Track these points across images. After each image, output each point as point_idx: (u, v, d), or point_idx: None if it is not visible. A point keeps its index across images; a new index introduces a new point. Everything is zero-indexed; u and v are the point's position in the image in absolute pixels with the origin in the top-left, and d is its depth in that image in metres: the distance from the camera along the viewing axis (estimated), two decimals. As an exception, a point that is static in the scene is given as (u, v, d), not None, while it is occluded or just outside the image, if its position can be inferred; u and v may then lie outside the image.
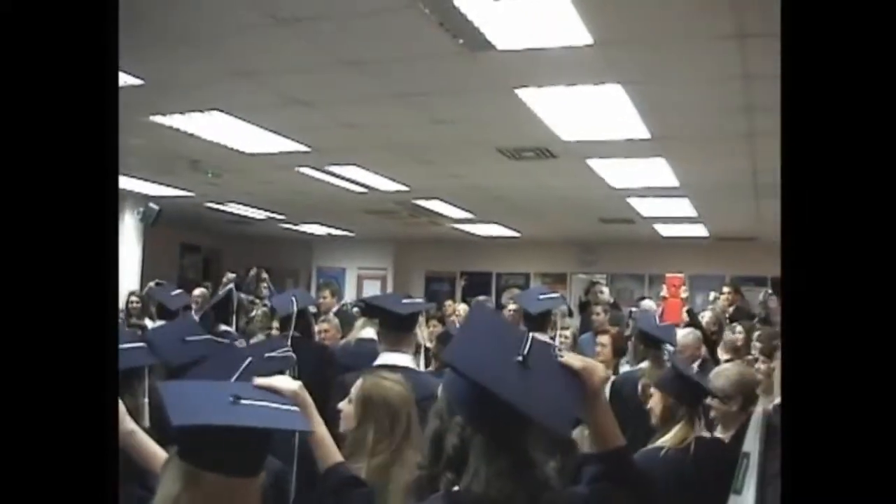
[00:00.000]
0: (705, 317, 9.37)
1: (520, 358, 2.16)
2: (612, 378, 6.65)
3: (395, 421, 3.54)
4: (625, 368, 7.21)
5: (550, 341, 6.59)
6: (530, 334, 2.32)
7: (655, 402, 4.44)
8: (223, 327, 8.08)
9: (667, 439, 4.25)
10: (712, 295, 11.51)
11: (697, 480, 4.06)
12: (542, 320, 6.27)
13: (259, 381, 2.43)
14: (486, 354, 2.18)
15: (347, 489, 2.65)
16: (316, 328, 7.92)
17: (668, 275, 9.06)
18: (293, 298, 7.49)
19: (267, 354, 4.74)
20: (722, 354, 7.61)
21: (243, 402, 2.15)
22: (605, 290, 12.42)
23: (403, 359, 4.65)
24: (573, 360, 2.30)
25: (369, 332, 6.53)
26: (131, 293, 11.45)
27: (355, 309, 9.59)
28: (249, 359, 3.74)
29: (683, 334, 7.42)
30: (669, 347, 6.89)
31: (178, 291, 9.14)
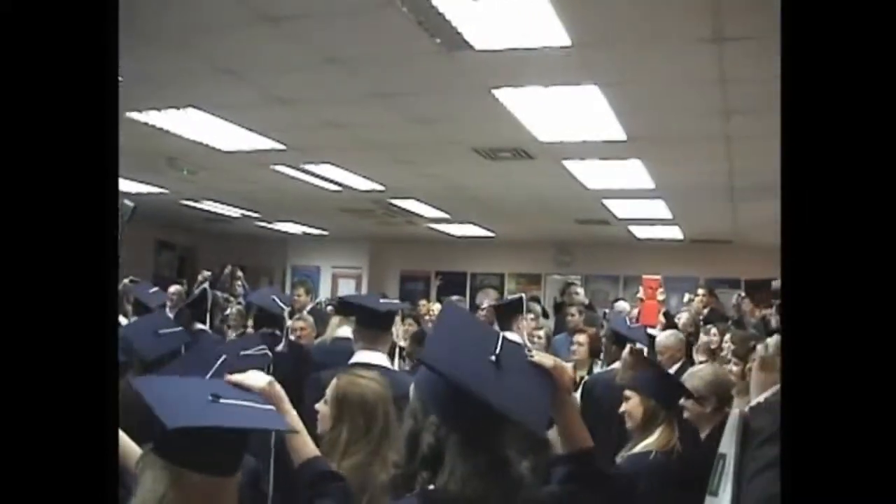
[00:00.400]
0: (681, 319, 9.43)
1: (493, 358, 2.17)
2: (585, 378, 6.68)
3: (371, 420, 3.52)
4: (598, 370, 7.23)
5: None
6: (501, 334, 2.33)
7: (634, 405, 4.43)
8: (198, 325, 8.08)
9: (650, 443, 4.26)
10: (686, 297, 11.56)
11: (684, 482, 4.07)
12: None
13: (231, 377, 2.42)
14: (461, 354, 2.20)
15: (324, 483, 2.63)
16: (291, 326, 7.93)
17: (645, 277, 9.10)
18: (274, 298, 7.52)
19: (242, 352, 4.76)
20: (697, 357, 7.64)
21: (222, 401, 2.14)
22: (581, 290, 12.45)
23: (379, 357, 4.65)
24: (544, 359, 2.32)
25: (345, 331, 6.52)
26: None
27: (329, 307, 9.59)
28: (224, 357, 3.74)
29: (665, 336, 7.46)
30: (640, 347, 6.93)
31: (155, 289, 9.11)
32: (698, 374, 5.01)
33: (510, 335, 6.97)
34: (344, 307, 6.63)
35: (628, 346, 6.10)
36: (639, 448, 4.30)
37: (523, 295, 7.41)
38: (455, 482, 2.04)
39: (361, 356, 4.66)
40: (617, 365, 6.44)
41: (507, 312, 6.99)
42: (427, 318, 10.81)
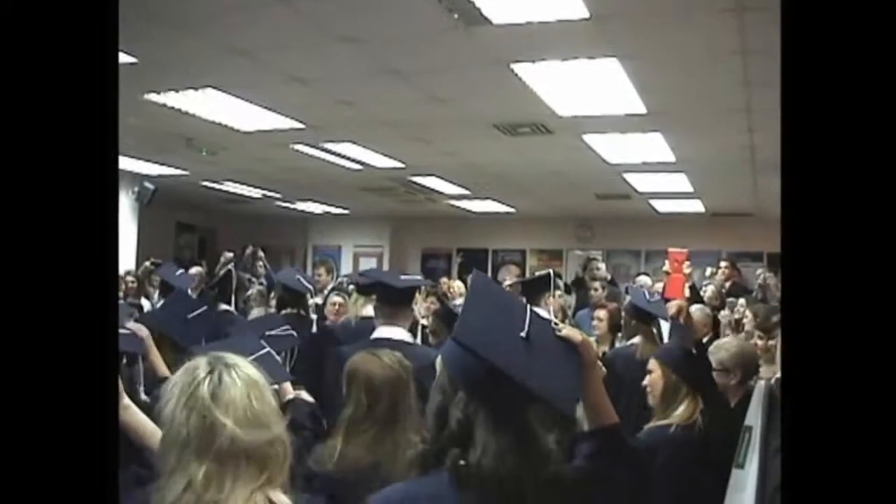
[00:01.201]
0: (706, 292, 9.37)
1: (523, 334, 2.15)
2: (605, 353, 6.65)
3: (376, 399, 3.52)
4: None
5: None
6: (530, 308, 2.31)
7: (655, 378, 4.41)
8: (223, 306, 8.12)
9: (675, 416, 4.24)
10: (709, 270, 11.50)
11: (707, 455, 4.06)
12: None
13: None
14: (492, 330, 2.17)
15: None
16: (329, 301, 8.04)
17: (670, 250, 8.97)
18: (299, 278, 7.57)
19: (268, 332, 4.80)
20: (724, 331, 7.61)
21: None
22: (602, 265, 12.41)
23: (399, 332, 4.66)
24: (573, 333, 2.30)
25: (371, 311, 6.55)
26: (127, 272, 11.50)
27: (351, 286, 9.61)
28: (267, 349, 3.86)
29: (693, 310, 7.39)
30: (664, 324, 6.88)
31: (181, 271, 9.14)
32: (724, 346, 5.00)
33: (539, 311, 7.00)
34: (363, 284, 6.66)
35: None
36: (661, 422, 4.28)
37: (551, 271, 7.40)
38: (487, 458, 2.02)
39: (382, 331, 4.67)
40: (637, 340, 6.42)
41: (536, 288, 7.00)
42: (449, 295, 10.80)
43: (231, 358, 2.32)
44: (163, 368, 4.33)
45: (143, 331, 4.53)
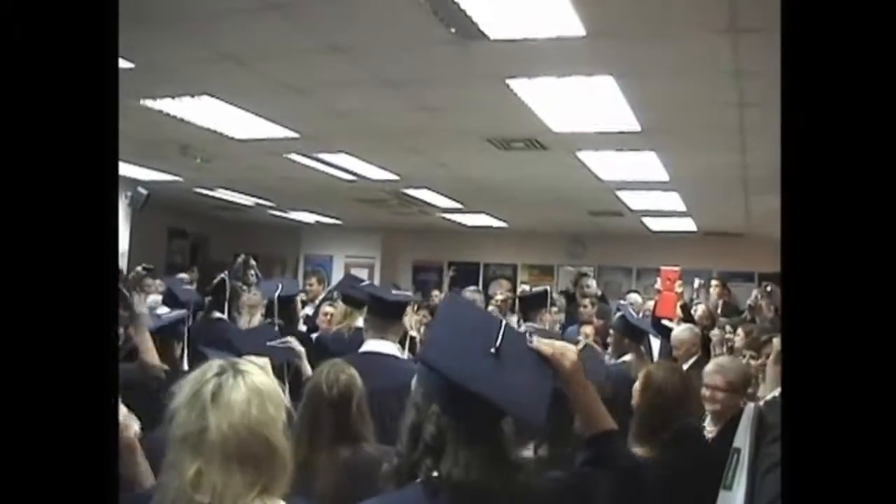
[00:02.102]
0: (697, 311, 9.38)
1: (493, 349, 2.20)
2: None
3: (314, 416, 3.60)
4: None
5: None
6: (503, 323, 2.33)
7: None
8: (217, 314, 8.11)
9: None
10: (697, 282, 11.52)
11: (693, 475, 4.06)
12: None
13: None
14: (460, 349, 2.22)
15: None
16: (321, 311, 8.08)
17: (663, 268, 8.99)
18: (279, 284, 7.58)
19: (269, 343, 4.88)
20: (715, 351, 7.61)
21: None
22: (593, 282, 12.44)
23: (388, 346, 4.65)
24: (543, 346, 2.32)
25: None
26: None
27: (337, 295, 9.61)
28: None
29: (680, 330, 7.39)
30: (654, 341, 6.89)
31: (189, 287, 9.17)
32: (730, 365, 4.99)
33: (535, 326, 7.07)
34: (354, 296, 6.67)
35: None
36: None
37: (548, 287, 7.45)
38: (457, 469, 2.09)
39: (371, 345, 4.67)
40: (629, 357, 6.43)
41: (533, 304, 7.03)
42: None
43: (245, 365, 2.36)
44: None
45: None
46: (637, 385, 4.46)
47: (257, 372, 2.36)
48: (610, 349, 7.29)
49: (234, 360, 2.39)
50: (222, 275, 9.34)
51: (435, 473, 2.12)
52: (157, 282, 11.39)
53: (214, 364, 2.34)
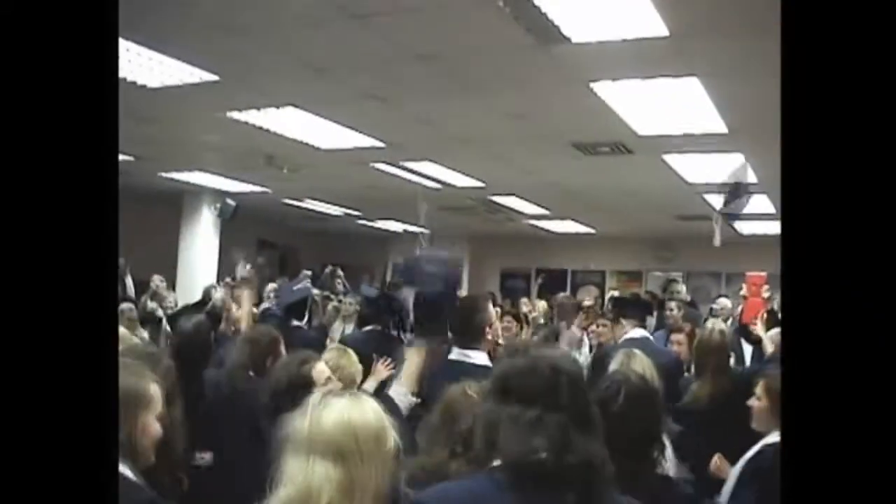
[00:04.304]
0: (786, 315, 9.18)
1: None
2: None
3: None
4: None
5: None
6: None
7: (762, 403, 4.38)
8: (295, 322, 8.19)
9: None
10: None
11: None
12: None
13: None
14: None
15: None
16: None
17: (748, 273, 8.85)
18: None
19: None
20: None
21: None
22: (682, 287, 12.29)
23: (477, 355, 4.59)
24: None
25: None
26: (211, 286, 11.66)
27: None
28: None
29: (772, 335, 7.24)
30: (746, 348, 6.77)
31: (300, 285, 9.32)
32: None
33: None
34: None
35: None
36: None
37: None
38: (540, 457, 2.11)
39: (456, 353, 4.63)
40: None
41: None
42: (531, 316, 10.75)
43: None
44: None
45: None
46: None
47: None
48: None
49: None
50: (305, 282, 9.44)
51: (496, 463, 2.15)
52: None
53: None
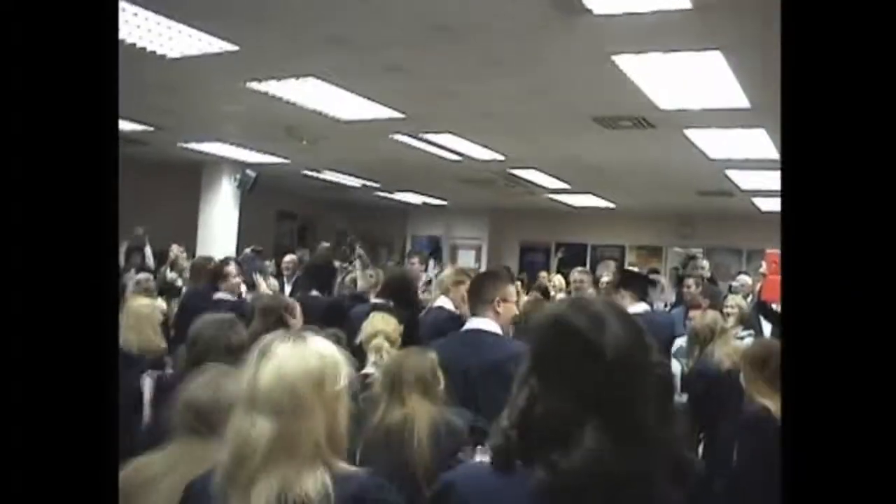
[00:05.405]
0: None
1: None
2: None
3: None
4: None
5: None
6: None
7: None
8: (314, 292, 8.24)
9: None
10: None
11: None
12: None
13: None
14: None
15: None
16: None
17: (768, 251, 8.79)
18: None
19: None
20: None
21: None
22: (706, 262, 12.25)
23: (488, 323, 4.62)
24: None
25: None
26: (226, 258, 11.70)
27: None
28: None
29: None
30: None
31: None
32: None
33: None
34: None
35: None
36: None
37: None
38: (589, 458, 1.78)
39: (472, 322, 4.67)
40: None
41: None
42: (551, 290, 10.73)
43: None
44: None
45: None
46: None
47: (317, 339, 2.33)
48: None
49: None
50: (325, 255, 9.51)
51: (554, 457, 1.80)
52: (267, 262, 11.59)
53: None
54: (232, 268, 8.07)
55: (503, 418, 1.95)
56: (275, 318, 5.19)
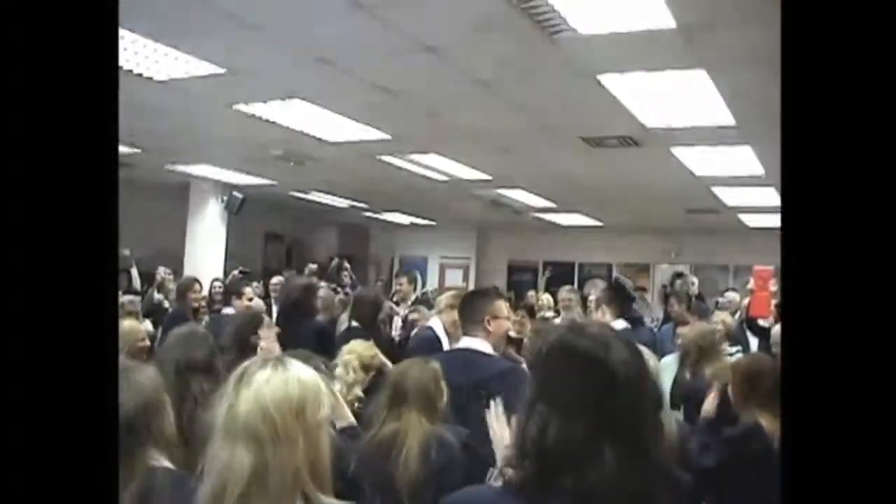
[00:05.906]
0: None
1: None
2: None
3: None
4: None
5: None
6: None
7: None
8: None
9: None
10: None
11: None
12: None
13: None
14: None
15: None
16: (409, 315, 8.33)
17: (756, 267, 8.83)
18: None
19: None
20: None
21: None
22: (695, 279, 12.27)
23: (479, 343, 4.62)
24: None
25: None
26: (215, 280, 11.70)
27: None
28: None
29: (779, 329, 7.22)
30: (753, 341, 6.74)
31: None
32: None
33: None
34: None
35: None
36: None
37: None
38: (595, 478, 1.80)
39: (463, 342, 4.68)
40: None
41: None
42: (537, 308, 10.72)
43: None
44: None
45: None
46: None
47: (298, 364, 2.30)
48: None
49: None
50: (311, 277, 9.52)
51: (568, 484, 1.81)
52: (255, 284, 11.59)
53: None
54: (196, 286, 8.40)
55: (510, 447, 1.95)
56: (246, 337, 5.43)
